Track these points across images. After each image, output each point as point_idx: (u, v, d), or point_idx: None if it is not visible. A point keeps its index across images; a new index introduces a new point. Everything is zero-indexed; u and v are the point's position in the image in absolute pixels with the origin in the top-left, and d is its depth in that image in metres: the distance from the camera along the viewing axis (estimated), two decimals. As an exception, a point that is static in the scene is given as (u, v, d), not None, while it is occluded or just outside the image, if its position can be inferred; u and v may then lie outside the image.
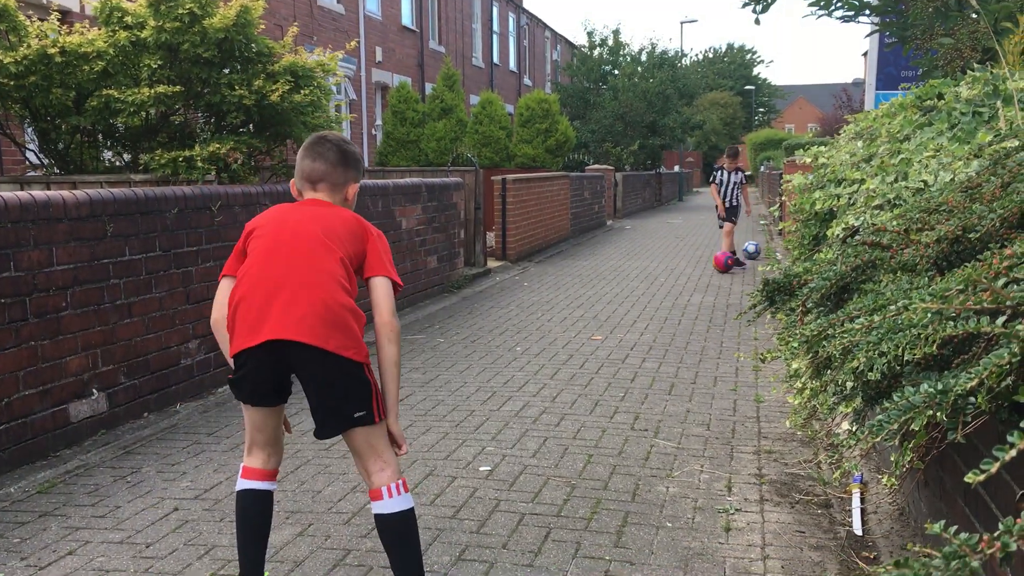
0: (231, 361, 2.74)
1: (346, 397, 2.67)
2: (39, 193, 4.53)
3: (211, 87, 6.82)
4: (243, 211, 6.12)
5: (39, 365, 4.40)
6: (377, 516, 2.77)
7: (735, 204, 12.92)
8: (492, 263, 12.57)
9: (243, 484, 2.84)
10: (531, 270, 12.54)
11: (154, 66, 6.62)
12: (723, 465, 4.33)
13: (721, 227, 12.78)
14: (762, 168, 35.92)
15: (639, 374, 6.22)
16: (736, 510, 3.76)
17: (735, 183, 12.90)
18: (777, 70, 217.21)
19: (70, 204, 4.63)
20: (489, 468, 4.31)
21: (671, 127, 31.90)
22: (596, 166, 25.01)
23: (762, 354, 3.38)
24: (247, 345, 2.64)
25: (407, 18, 24.20)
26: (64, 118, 6.75)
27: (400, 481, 2.76)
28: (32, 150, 7.37)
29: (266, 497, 2.86)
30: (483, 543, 3.45)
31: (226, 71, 6.95)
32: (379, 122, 21.12)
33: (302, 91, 7.06)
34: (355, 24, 20.54)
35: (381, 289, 2.75)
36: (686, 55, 52.01)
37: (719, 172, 12.97)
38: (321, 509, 3.79)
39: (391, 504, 2.74)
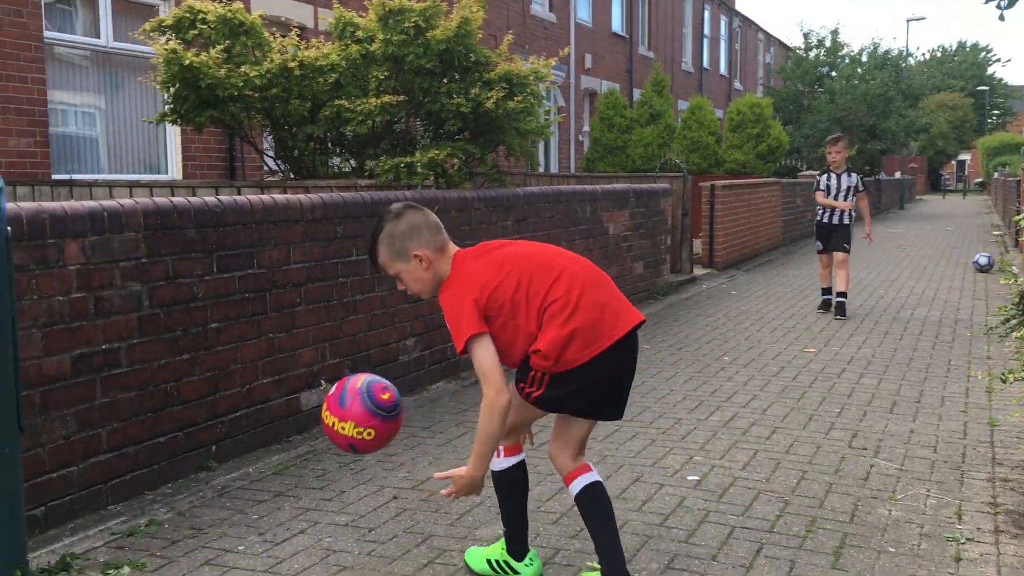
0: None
1: None
2: (280, 196, 4.90)
3: (431, 96, 7.12)
4: (458, 215, 6.34)
5: (276, 356, 4.76)
6: (594, 484, 2.98)
7: (844, 222, 9.03)
8: (698, 270, 12.36)
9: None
10: (739, 278, 12.24)
11: (381, 77, 6.99)
12: (952, 491, 4.05)
13: (820, 251, 9.23)
14: (996, 175, 33.28)
15: (856, 390, 5.93)
16: (967, 539, 3.51)
17: (848, 188, 9.00)
18: (1015, 69, 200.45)
19: (306, 207, 4.97)
20: (697, 478, 4.24)
21: (893, 131, 30.15)
22: (809, 172, 24.04)
23: (1003, 374, 3.14)
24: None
25: (617, 25, 24.25)
26: (300, 127, 7.25)
27: None
28: (271, 156, 7.97)
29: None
30: (692, 553, 3.41)
31: (445, 80, 7.24)
32: (586, 128, 21.27)
33: (515, 98, 7.23)
34: (566, 32, 20.80)
35: None
36: (911, 55, 48.94)
37: (823, 176, 9.17)
38: (530, 508, 3.86)
39: (597, 474, 3.03)
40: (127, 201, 4.01)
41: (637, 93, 22.45)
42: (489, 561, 3.19)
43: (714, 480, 4.21)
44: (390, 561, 3.33)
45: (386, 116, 7.15)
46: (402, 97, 6.98)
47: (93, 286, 3.77)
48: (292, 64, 6.86)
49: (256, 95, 6.85)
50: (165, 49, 6.72)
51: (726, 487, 4.12)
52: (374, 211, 5.50)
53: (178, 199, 4.27)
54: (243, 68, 6.82)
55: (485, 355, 2.73)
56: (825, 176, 9.11)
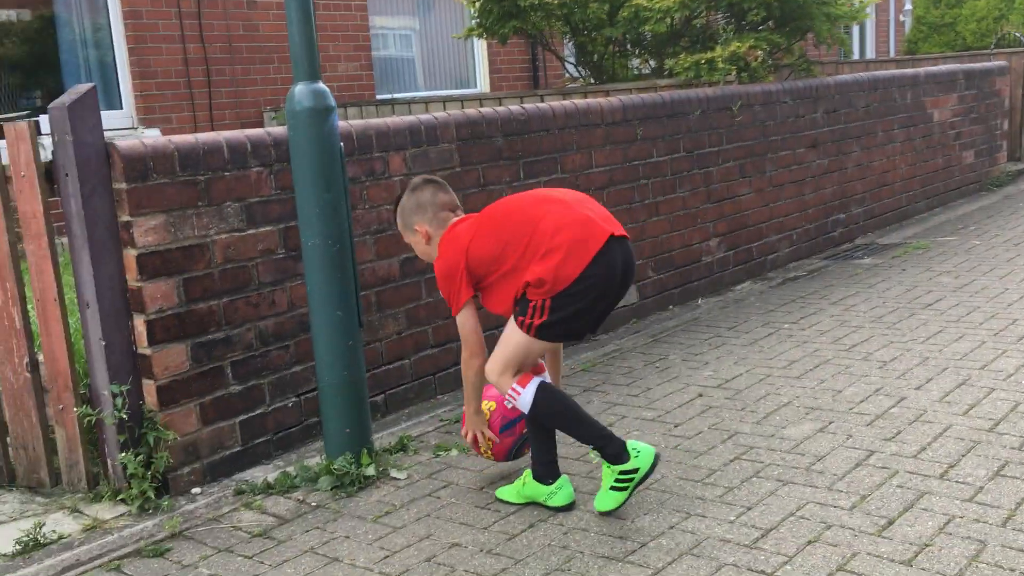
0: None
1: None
2: (580, 101, 4.98)
3: (731, -15, 6.81)
4: (762, 110, 6.09)
5: (581, 258, 4.90)
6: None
7: None
8: (1042, 157, 10.98)
9: None
10: (1094, 164, 10.73)
11: (679, -29, 6.78)
12: None
13: None
14: None
15: None
16: None
17: None
18: None
19: (606, 110, 5.01)
20: (1035, 383, 3.87)
21: None
22: None
23: None
24: None
25: None
26: (599, 31, 7.26)
27: None
28: (571, 63, 8.07)
29: None
30: (1026, 462, 3.14)
31: (749, -34, 6.88)
32: (908, 7, 19.36)
33: (825, -22, 6.73)
34: (883, -100, 18.86)
35: None
36: None
37: None
38: (842, 408, 3.75)
39: None
40: (441, 114, 4.27)
41: (969, -39, 19.98)
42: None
43: (1055, 386, 3.82)
44: (696, 455, 3.39)
45: (685, 12, 6.95)
46: (702, -10, 6.75)
47: (415, 195, 4.08)
48: (589, -34, 6.85)
49: (555, 2, 6.94)
50: (471, -36, 6.98)
51: (1070, 394, 3.73)
52: (673, 111, 5.44)
53: (486, 110, 4.48)
54: (541, -24, 6.92)
55: (466, 319, 2.99)
56: None
